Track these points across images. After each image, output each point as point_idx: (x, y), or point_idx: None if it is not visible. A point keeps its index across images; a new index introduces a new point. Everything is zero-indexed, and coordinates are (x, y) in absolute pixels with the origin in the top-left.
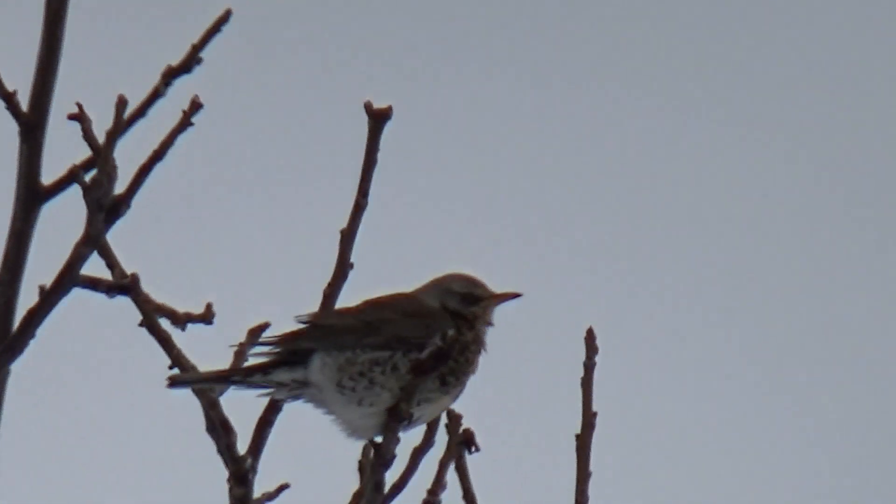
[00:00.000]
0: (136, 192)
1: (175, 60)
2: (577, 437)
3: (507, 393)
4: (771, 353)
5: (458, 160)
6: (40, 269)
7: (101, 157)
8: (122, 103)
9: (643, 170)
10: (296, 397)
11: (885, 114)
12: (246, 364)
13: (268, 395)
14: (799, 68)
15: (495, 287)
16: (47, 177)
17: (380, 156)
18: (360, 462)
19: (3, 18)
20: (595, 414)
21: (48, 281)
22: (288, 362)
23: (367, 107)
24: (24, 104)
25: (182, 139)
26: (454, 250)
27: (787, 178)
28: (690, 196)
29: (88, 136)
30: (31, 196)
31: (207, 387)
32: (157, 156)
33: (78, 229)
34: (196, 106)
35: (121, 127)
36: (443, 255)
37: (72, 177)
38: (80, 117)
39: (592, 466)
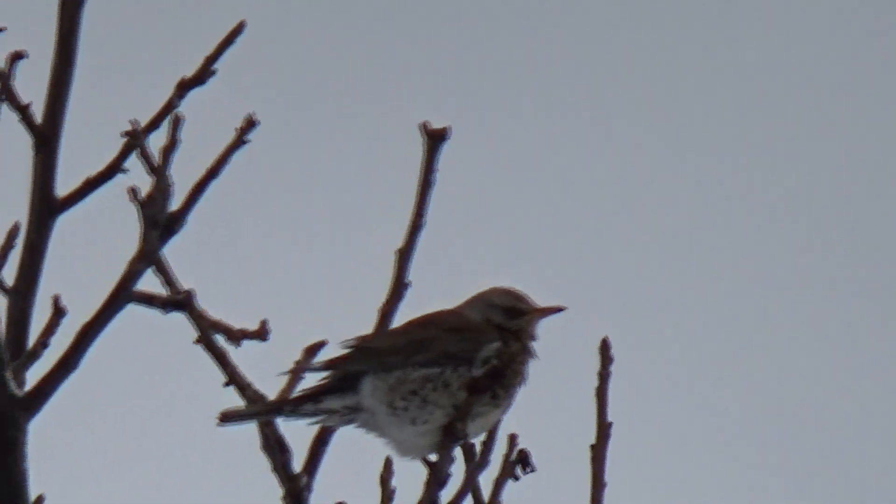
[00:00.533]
0: (192, 208)
1: (189, 73)
2: (592, 447)
3: (522, 403)
4: (789, 360)
5: (514, 180)
6: (54, 280)
7: (157, 173)
8: (176, 120)
9: (670, 184)
10: (348, 422)
11: (885, 113)
12: (296, 393)
13: (319, 422)
14: (801, 73)
15: (539, 301)
16: (61, 189)
17: (437, 175)
18: (381, 476)
19: (17, 31)
20: (610, 424)
21: (62, 293)
22: (338, 389)
23: (424, 127)
24: (38, 116)
25: (237, 156)
26: (506, 266)
27: (810, 189)
28: (710, 208)
29: (143, 152)
30: (46, 208)
31: (259, 419)
32: (213, 172)
33: (92, 241)
34: (251, 123)
35: (175, 144)
36: (496, 271)
37: (87, 188)
38: (133, 133)
39: (607, 477)
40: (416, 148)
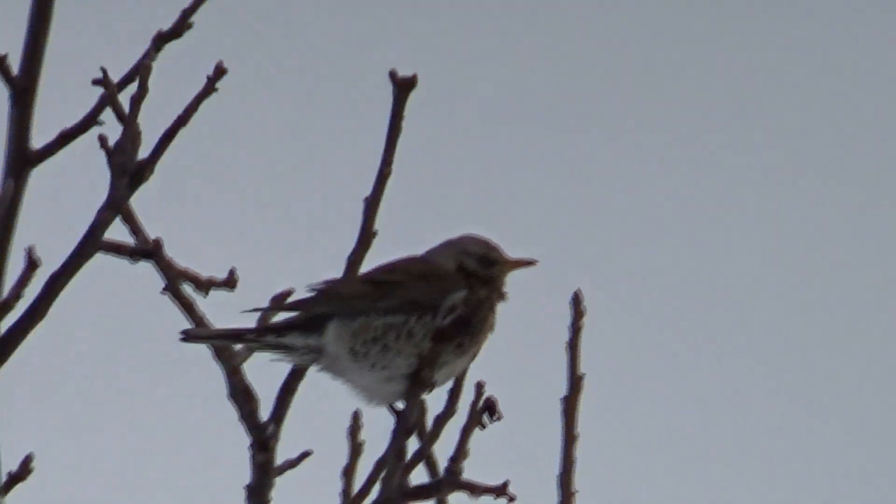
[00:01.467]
0: (160, 157)
1: (165, 26)
2: (564, 400)
3: (493, 356)
4: (761, 317)
5: (480, 127)
6: (29, 233)
7: (126, 122)
8: (146, 70)
9: (647, 140)
10: (309, 362)
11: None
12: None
13: (280, 359)
14: (805, 71)
15: (509, 251)
16: (37, 141)
17: (404, 124)
18: (349, 427)
19: None
20: (582, 377)
21: (38, 244)
22: (303, 328)
23: (393, 75)
24: (15, 68)
25: (205, 104)
26: (474, 217)
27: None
28: (681, 165)
29: (114, 101)
30: (21, 160)
31: (220, 343)
32: (181, 121)
33: (68, 193)
34: (220, 72)
35: (145, 93)
36: (463, 221)
37: (63, 141)
38: (104, 83)
39: (579, 430)
40: (385, 96)
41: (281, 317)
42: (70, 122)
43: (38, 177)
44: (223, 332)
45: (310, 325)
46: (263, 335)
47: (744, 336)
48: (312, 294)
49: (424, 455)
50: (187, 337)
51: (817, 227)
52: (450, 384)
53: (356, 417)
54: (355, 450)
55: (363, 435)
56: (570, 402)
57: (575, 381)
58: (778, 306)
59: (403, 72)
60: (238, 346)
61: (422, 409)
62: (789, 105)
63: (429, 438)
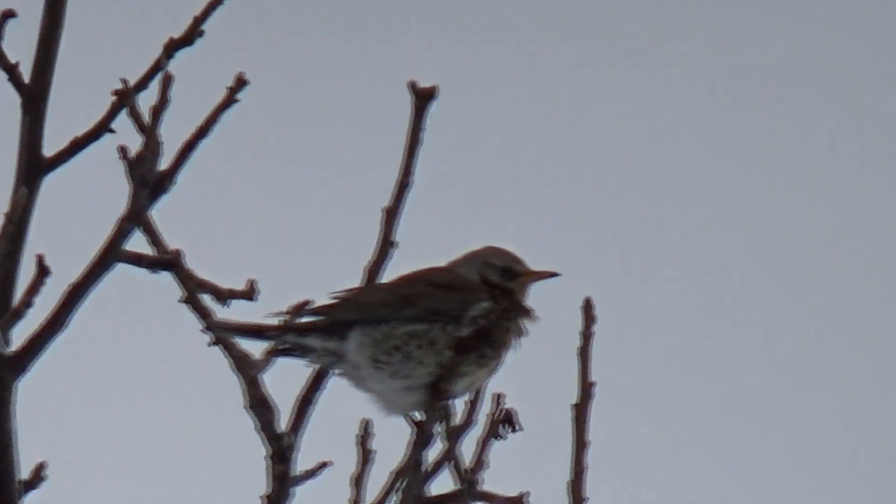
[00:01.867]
0: (181, 168)
1: (177, 33)
2: (575, 407)
3: (506, 362)
4: (775, 326)
5: (502, 139)
6: (41, 240)
7: (147, 132)
8: (167, 79)
9: (660, 148)
10: (327, 364)
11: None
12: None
13: (298, 359)
14: (807, 65)
15: (530, 264)
16: (49, 149)
17: (424, 135)
18: (359, 436)
19: None
20: (593, 384)
21: (49, 252)
22: (324, 330)
23: (413, 86)
24: (27, 76)
25: (226, 115)
26: (493, 227)
27: (789, 152)
28: (697, 167)
29: (133, 111)
30: (33, 168)
31: (242, 336)
32: (202, 132)
33: (79, 201)
34: (241, 83)
35: (166, 103)
36: (483, 231)
37: (74, 148)
38: (124, 93)
39: (590, 436)
40: (405, 106)
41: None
42: (81, 129)
43: (50, 184)
44: (246, 325)
45: (332, 329)
46: (285, 333)
47: (757, 344)
48: (336, 301)
49: (443, 465)
50: (210, 328)
51: (834, 234)
52: (470, 395)
53: (366, 426)
54: (365, 458)
55: (375, 444)
56: (580, 409)
57: (586, 388)
58: (792, 315)
59: (424, 82)
60: (256, 357)
61: (447, 416)
62: (798, 111)
63: (447, 449)
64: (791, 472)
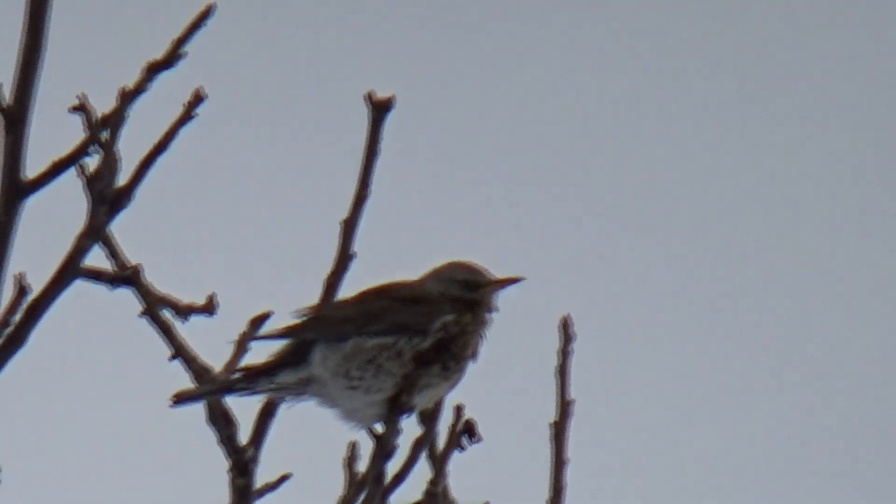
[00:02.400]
0: (139, 184)
1: (158, 55)
2: (554, 424)
3: (483, 380)
4: (751, 342)
5: (458, 150)
6: (22, 262)
7: (104, 149)
8: (125, 97)
9: (630, 162)
10: (299, 397)
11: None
12: (245, 366)
13: (272, 398)
14: (806, 65)
15: (496, 274)
16: (30, 170)
17: (382, 146)
18: (346, 458)
19: None
20: (571, 402)
21: (30, 272)
22: (291, 363)
23: (369, 97)
24: (7, 97)
25: (184, 131)
26: (456, 240)
27: (759, 162)
28: (670, 180)
29: (91, 127)
30: (14, 189)
31: (212, 398)
32: (160, 148)
33: (62, 223)
34: (198, 98)
35: (123, 119)
36: (444, 244)
37: (55, 170)
38: (82, 108)
39: (569, 454)
40: (362, 118)
41: (260, 344)
42: (62, 151)
43: (29, 204)
44: (214, 388)
45: (297, 357)
46: (255, 380)
47: (734, 361)
48: (299, 320)
49: (403, 478)
50: (178, 399)
51: (813, 244)
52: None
53: (353, 448)
54: (353, 480)
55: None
56: (559, 428)
57: (564, 407)
58: (769, 333)
59: (381, 93)
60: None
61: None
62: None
63: (407, 461)
64: (772, 489)
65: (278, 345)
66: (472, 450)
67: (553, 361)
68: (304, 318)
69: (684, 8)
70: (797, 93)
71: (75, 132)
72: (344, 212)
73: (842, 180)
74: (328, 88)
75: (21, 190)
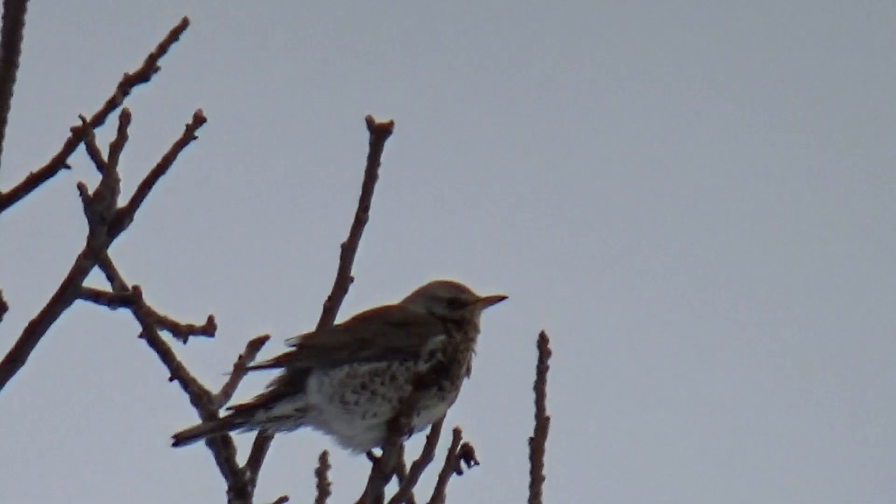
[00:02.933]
0: (139, 205)
1: (133, 69)
2: (531, 440)
3: (462, 396)
4: (731, 358)
5: (458, 175)
6: (7, 278)
7: (105, 170)
8: (125, 117)
9: (608, 182)
10: (297, 426)
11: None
12: (243, 400)
13: (271, 429)
14: (804, 63)
15: (481, 292)
16: (4, 184)
17: (381, 170)
18: (317, 469)
19: None
20: (548, 418)
21: (5, 288)
22: (288, 393)
23: (369, 121)
24: None
25: (184, 153)
26: (453, 262)
27: (749, 163)
28: (649, 197)
29: (92, 148)
30: None
31: (213, 437)
32: (161, 169)
33: (37, 237)
34: (199, 120)
35: (124, 140)
36: (442, 267)
37: (32, 183)
38: (82, 130)
39: (546, 470)
40: (362, 142)
41: (257, 373)
42: (37, 165)
43: (7, 218)
44: (213, 425)
45: (293, 387)
46: (253, 415)
47: (716, 378)
48: (291, 349)
49: (402, 500)
50: (179, 440)
51: (795, 259)
52: (428, 430)
53: (324, 458)
54: (322, 491)
55: (335, 477)
56: (536, 443)
57: (541, 422)
58: (750, 344)
59: (380, 117)
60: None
61: (399, 453)
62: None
63: (406, 483)
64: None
65: (274, 373)
66: (466, 471)
67: (530, 377)
68: (297, 347)
69: (682, 11)
70: (797, 91)
71: (51, 146)
72: (343, 235)
73: (836, 183)
74: (328, 112)
75: None
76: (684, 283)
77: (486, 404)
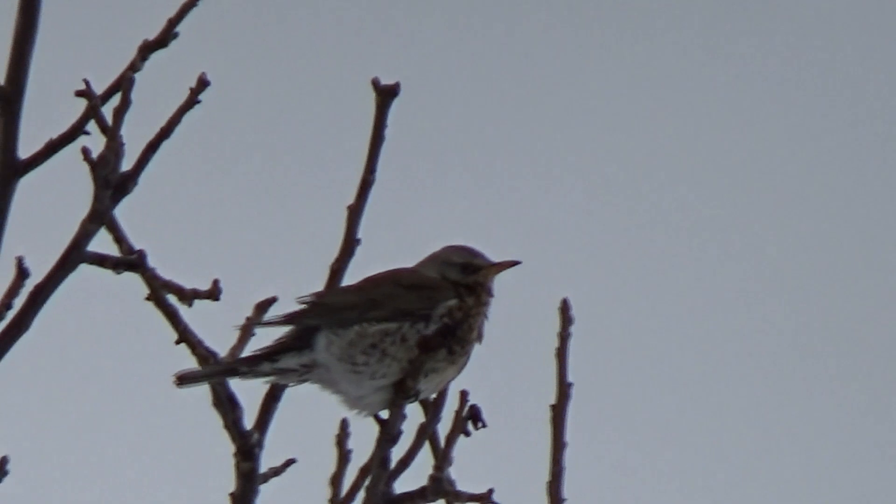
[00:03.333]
0: (144, 169)
1: (152, 35)
2: (553, 407)
3: (482, 364)
4: (752, 324)
5: (464, 136)
6: (17, 243)
7: (109, 134)
8: (129, 81)
9: (629, 148)
10: (302, 381)
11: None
12: (251, 352)
13: (275, 381)
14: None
15: (494, 258)
16: (24, 150)
17: (389, 132)
18: (337, 437)
19: None
20: (570, 385)
21: (27, 254)
22: (294, 347)
23: (375, 83)
24: (1, 77)
25: (189, 116)
26: (460, 225)
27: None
28: (673, 163)
29: (96, 112)
30: (9, 170)
31: (215, 381)
32: (164, 133)
33: (56, 203)
34: (203, 84)
35: (127, 105)
36: (449, 230)
37: (50, 150)
38: (87, 94)
39: (567, 437)
40: (368, 104)
41: (265, 330)
42: (57, 131)
43: (25, 186)
44: (217, 369)
45: (300, 342)
46: (258, 364)
47: (734, 342)
48: (302, 307)
49: (409, 462)
50: (182, 381)
51: (817, 236)
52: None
53: (344, 426)
54: (342, 458)
55: (351, 443)
56: (558, 410)
57: (563, 389)
58: (770, 314)
59: (386, 80)
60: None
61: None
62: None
63: (412, 447)
64: (772, 475)
65: (282, 331)
66: (473, 433)
67: (552, 344)
68: (308, 305)
69: (683, 6)
70: (795, 91)
71: (70, 113)
72: (350, 198)
73: (839, 178)
74: (334, 74)
75: (16, 169)
76: (709, 246)
77: (509, 371)
